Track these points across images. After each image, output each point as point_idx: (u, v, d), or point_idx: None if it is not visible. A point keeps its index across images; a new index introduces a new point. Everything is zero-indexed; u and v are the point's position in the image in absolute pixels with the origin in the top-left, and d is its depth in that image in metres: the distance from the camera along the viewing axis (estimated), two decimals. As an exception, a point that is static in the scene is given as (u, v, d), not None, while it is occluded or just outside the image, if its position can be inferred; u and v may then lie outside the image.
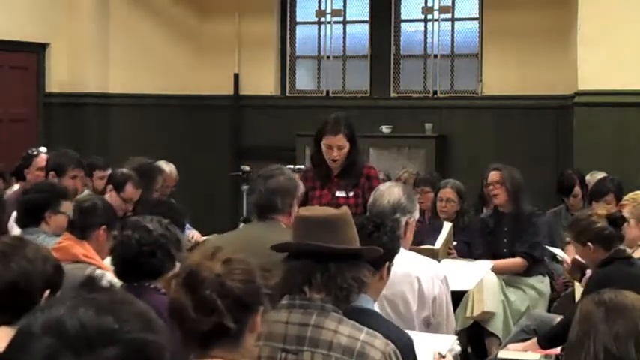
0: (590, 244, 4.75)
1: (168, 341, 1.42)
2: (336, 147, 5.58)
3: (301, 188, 4.54)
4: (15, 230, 5.21)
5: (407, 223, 4.19)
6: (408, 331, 3.38)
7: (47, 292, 2.85)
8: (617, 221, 4.76)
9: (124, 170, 6.44)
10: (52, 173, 6.38)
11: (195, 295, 2.28)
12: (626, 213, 5.14)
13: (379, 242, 3.28)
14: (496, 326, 6.06)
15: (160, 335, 1.40)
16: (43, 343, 1.33)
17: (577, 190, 7.28)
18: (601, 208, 5.24)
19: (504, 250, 6.40)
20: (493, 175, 6.44)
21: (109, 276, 4.26)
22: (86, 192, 6.77)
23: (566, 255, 5.82)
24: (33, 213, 4.91)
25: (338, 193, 5.60)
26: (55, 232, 4.83)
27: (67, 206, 4.90)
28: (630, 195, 5.76)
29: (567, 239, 6.46)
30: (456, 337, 4.04)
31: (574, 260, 5.48)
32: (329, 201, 5.48)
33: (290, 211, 4.37)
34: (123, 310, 1.39)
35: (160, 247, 3.63)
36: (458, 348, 4.00)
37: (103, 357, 1.32)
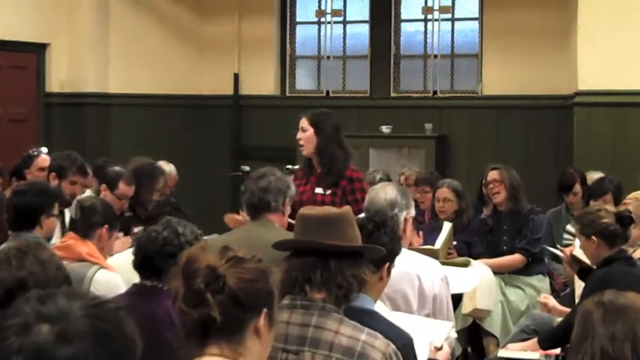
0: (594, 238, 4.75)
1: (135, 348, 1.55)
2: (300, 129, 5.75)
3: (293, 189, 4.57)
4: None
5: (405, 220, 4.22)
6: (404, 321, 3.39)
7: None
8: (624, 220, 4.76)
9: (116, 168, 6.39)
10: (52, 175, 6.34)
11: (187, 284, 2.27)
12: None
13: (379, 242, 3.28)
14: (494, 326, 6.05)
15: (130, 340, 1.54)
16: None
17: (577, 187, 7.26)
18: (612, 206, 5.23)
19: (504, 247, 6.40)
20: (492, 174, 6.46)
21: (112, 276, 4.26)
22: (88, 192, 6.76)
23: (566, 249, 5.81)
24: (29, 216, 4.69)
25: (317, 190, 5.66)
26: (47, 235, 4.77)
27: (57, 208, 4.85)
28: (634, 194, 5.76)
29: (567, 242, 6.46)
30: (452, 323, 4.03)
31: (572, 254, 5.48)
32: (309, 197, 5.58)
33: (283, 210, 4.43)
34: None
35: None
36: (454, 335, 4.00)
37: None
